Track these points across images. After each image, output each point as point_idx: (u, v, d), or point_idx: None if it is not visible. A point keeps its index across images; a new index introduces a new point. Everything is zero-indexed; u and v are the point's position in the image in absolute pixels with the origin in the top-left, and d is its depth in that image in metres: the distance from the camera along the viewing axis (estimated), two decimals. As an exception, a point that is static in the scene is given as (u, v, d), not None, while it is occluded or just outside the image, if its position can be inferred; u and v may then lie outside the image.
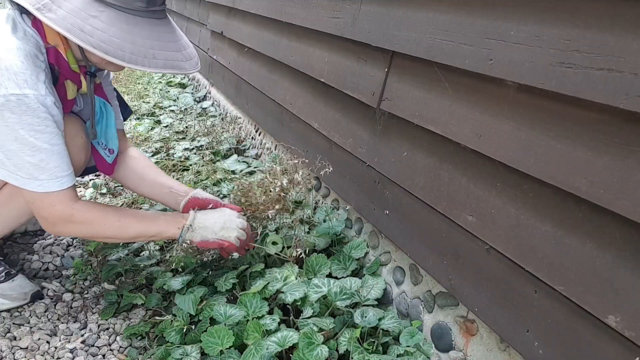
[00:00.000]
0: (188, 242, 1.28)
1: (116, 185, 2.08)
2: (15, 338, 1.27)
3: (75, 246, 1.67)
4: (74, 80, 1.19)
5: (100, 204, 1.26)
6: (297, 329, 1.17)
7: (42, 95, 1.04)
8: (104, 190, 2.02)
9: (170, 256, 1.51)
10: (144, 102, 3.37)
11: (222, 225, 1.28)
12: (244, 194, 1.43)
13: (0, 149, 1.05)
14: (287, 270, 1.33)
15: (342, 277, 1.35)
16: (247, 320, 1.17)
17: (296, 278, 1.31)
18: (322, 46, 1.61)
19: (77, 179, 1.65)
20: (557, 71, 0.78)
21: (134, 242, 1.60)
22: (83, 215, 1.16)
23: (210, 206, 1.37)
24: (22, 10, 1.08)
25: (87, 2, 1.01)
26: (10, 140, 1.04)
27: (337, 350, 1.12)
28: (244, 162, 2.29)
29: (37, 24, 1.09)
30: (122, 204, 1.92)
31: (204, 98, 3.54)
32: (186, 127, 2.84)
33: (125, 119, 1.55)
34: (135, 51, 1.03)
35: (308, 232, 1.54)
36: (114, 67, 1.07)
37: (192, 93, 3.70)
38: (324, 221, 1.58)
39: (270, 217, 1.40)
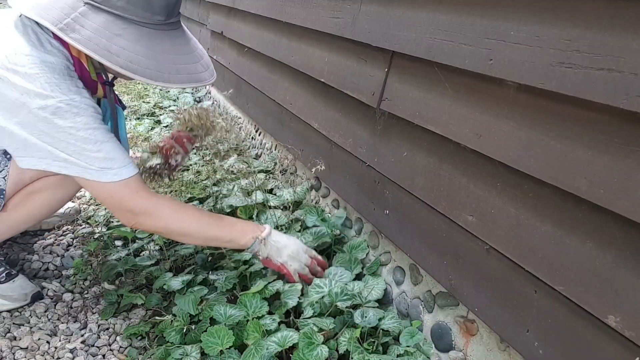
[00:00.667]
0: (255, 253, 1.29)
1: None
2: (15, 338, 1.27)
3: (75, 246, 1.67)
4: (92, 88, 1.20)
5: (177, 201, 1.26)
6: (297, 329, 1.17)
7: (87, 97, 1.07)
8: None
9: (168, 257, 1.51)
10: (144, 102, 3.37)
11: (290, 253, 1.30)
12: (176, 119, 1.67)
13: (66, 152, 1.06)
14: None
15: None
16: (247, 320, 1.17)
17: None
18: (322, 46, 1.61)
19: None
20: (557, 71, 0.78)
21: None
22: (162, 209, 1.17)
23: (162, 144, 1.54)
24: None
25: (109, 19, 1.01)
26: (71, 145, 1.05)
27: (337, 350, 1.12)
28: (244, 162, 2.29)
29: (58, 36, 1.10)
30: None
31: (204, 98, 3.54)
32: (186, 127, 2.83)
33: None
34: (161, 68, 1.04)
35: (301, 229, 1.54)
36: (129, 77, 1.09)
37: (192, 93, 3.70)
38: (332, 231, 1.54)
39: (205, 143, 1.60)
